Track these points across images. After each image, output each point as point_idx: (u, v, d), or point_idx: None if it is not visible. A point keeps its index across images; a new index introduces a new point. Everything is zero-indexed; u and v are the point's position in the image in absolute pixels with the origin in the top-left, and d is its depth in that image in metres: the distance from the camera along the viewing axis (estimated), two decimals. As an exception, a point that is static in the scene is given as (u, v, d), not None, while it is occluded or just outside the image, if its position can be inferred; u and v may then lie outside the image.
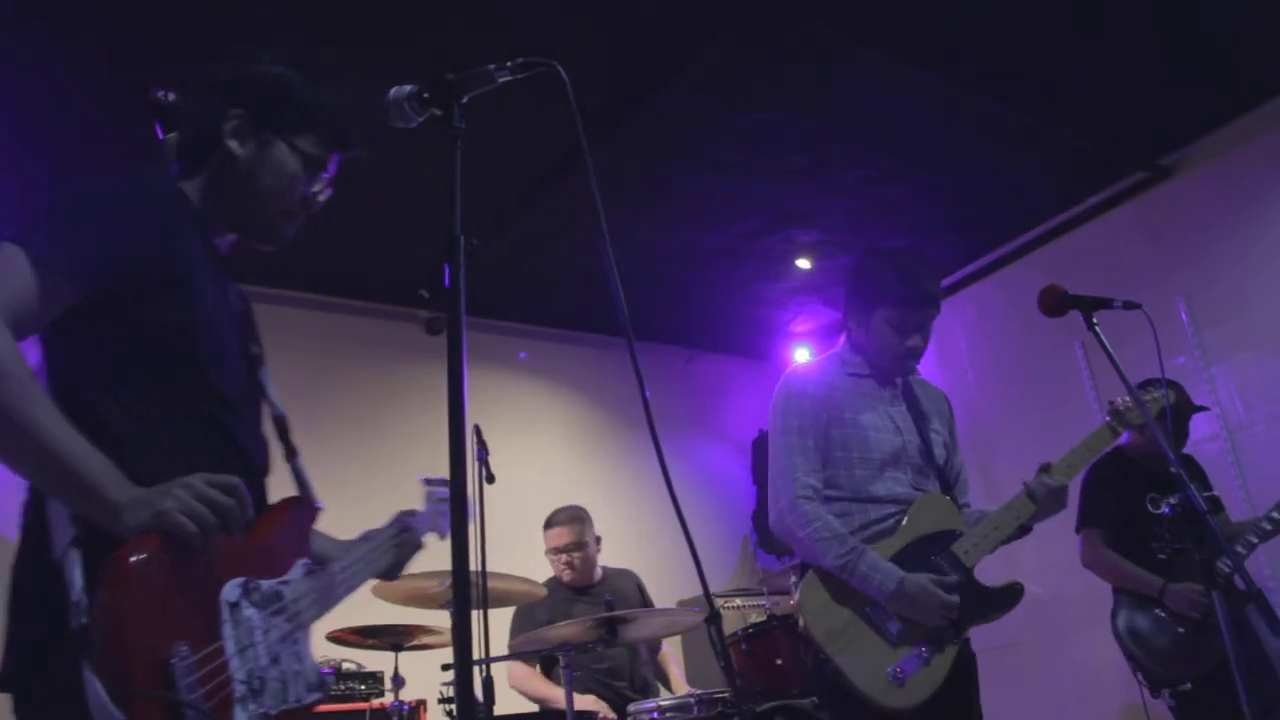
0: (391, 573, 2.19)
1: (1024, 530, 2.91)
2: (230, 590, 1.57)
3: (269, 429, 2.01)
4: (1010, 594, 2.85)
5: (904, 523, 2.83)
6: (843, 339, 3.16)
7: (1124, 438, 4.31)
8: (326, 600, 1.85)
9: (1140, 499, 4.23)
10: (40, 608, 1.50)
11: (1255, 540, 3.96)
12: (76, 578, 1.41)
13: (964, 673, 2.82)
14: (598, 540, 4.93)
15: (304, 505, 1.92)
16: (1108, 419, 3.07)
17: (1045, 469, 2.90)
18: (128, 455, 1.56)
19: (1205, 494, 4.31)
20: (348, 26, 4.00)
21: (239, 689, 1.52)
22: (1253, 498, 5.02)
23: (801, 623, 2.73)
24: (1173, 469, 2.64)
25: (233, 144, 1.88)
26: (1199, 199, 5.60)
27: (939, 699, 2.67)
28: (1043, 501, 2.85)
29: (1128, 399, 3.06)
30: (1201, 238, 5.55)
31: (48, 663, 1.48)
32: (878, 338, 2.99)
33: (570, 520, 4.84)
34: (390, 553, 2.16)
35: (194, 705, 1.41)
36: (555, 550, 4.82)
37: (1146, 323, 2.87)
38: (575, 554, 4.79)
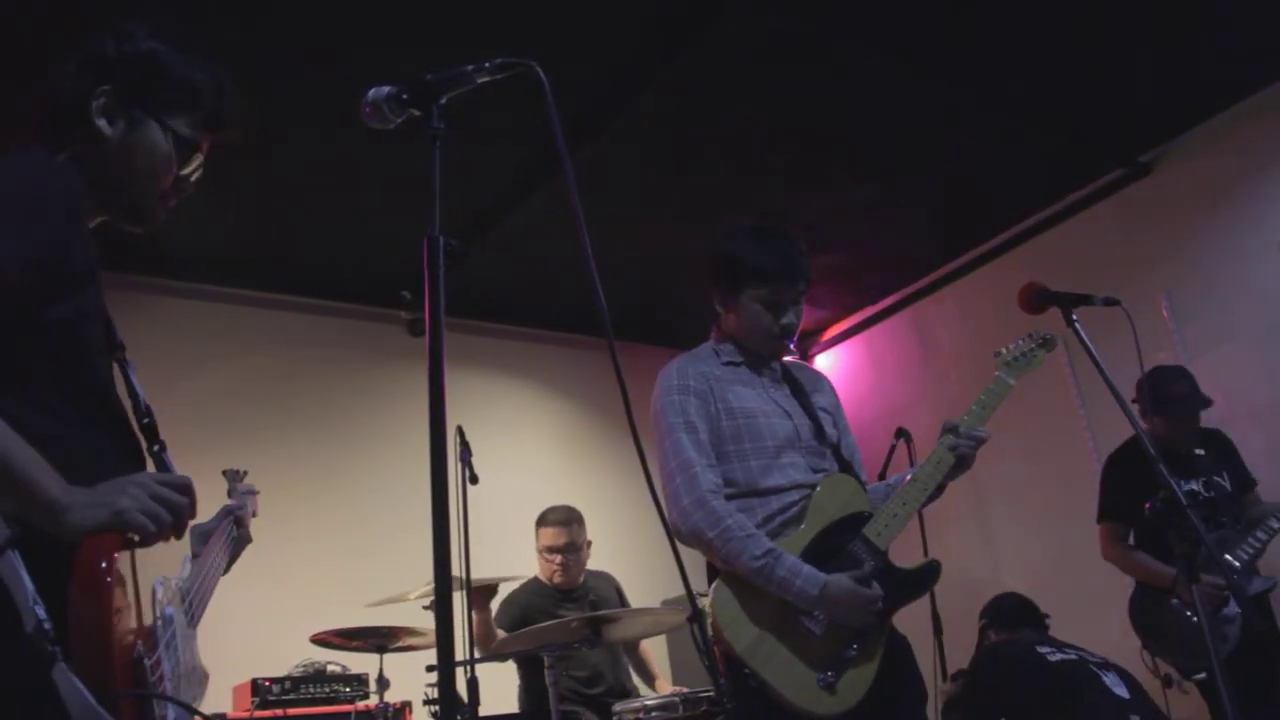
0: (227, 569, 2.12)
1: (938, 490, 2.79)
2: (158, 588, 1.57)
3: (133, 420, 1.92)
4: (927, 573, 2.74)
5: (810, 509, 2.68)
6: (712, 330, 3.02)
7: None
8: (208, 596, 1.83)
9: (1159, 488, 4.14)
10: None
11: (1264, 538, 3.99)
12: (26, 580, 1.35)
13: (896, 660, 2.67)
14: (589, 545, 4.88)
15: None
16: (996, 372, 2.97)
17: (953, 431, 2.77)
18: (49, 453, 1.46)
19: (1216, 478, 4.30)
20: (333, 25, 4.00)
21: (169, 686, 1.52)
22: (1234, 492, 5.04)
23: (717, 638, 2.56)
24: (1158, 463, 2.63)
25: (101, 122, 1.76)
26: (1178, 195, 5.63)
27: (874, 695, 2.54)
28: (968, 458, 2.76)
29: (1010, 346, 3.02)
30: (1181, 233, 5.58)
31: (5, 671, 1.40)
32: (749, 319, 2.85)
33: (566, 521, 4.75)
34: (229, 548, 2.10)
35: (176, 701, 1.43)
36: (549, 549, 4.72)
37: (1126, 318, 2.88)
38: (570, 556, 4.70)
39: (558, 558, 4.69)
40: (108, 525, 1.43)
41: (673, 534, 2.61)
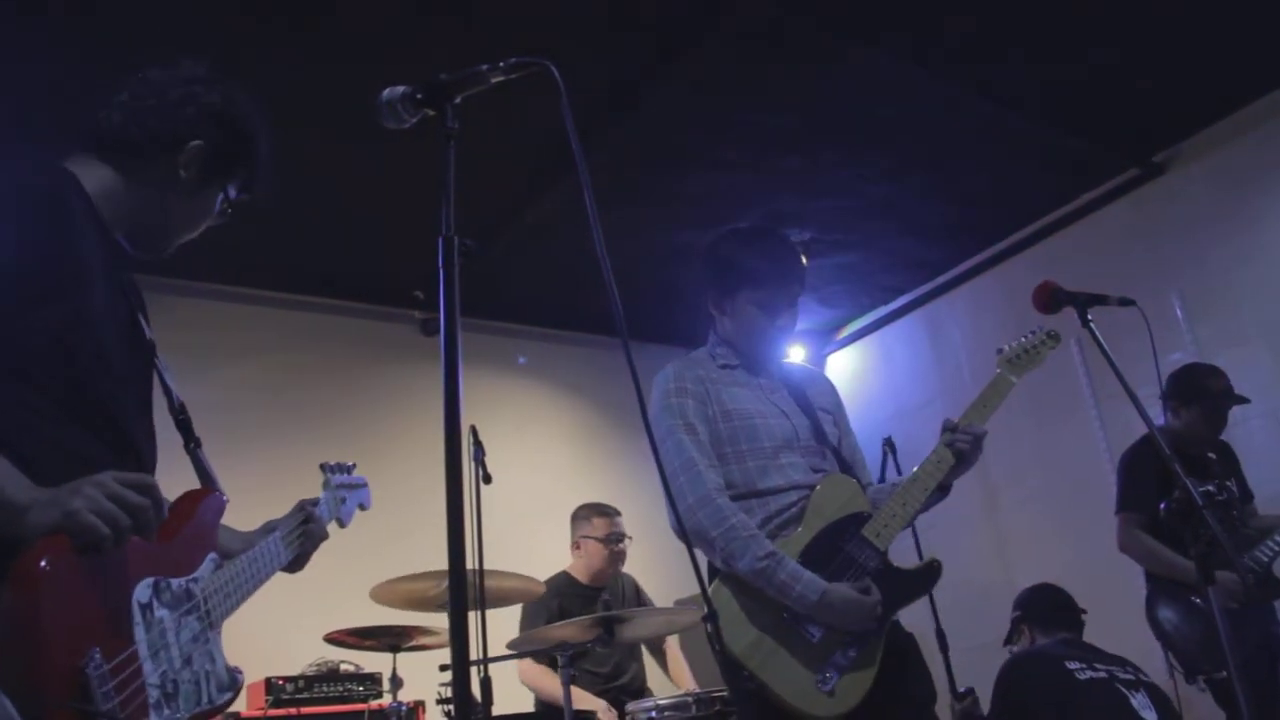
0: (297, 564, 2.09)
1: (943, 490, 2.78)
2: (141, 591, 1.51)
3: (165, 419, 1.94)
4: (928, 573, 2.72)
5: (808, 510, 2.67)
6: (709, 334, 3.02)
7: (1160, 420, 4.30)
8: (237, 596, 1.79)
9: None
10: None
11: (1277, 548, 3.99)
12: None
13: (899, 658, 2.65)
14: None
15: (210, 498, 1.83)
16: (998, 369, 2.97)
17: (953, 429, 2.77)
18: (17, 457, 1.44)
19: (1226, 483, 4.30)
20: (344, 26, 4.01)
21: (153, 694, 1.46)
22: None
23: (716, 639, 2.50)
24: (1173, 462, 2.62)
25: (183, 172, 1.87)
26: (1192, 195, 5.61)
27: (875, 696, 2.53)
28: (969, 455, 2.75)
29: (1013, 343, 2.99)
30: (1195, 233, 5.56)
31: None
32: (745, 322, 2.87)
33: (617, 512, 4.98)
34: (295, 544, 2.06)
35: (111, 715, 1.35)
36: (613, 536, 4.88)
37: (1141, 318, 2.86)
38: (626, 543, 4.92)
39: (618, 546, 4.89)
40: (57, 526, 1.38)
41: (675, 533, 2.60)
